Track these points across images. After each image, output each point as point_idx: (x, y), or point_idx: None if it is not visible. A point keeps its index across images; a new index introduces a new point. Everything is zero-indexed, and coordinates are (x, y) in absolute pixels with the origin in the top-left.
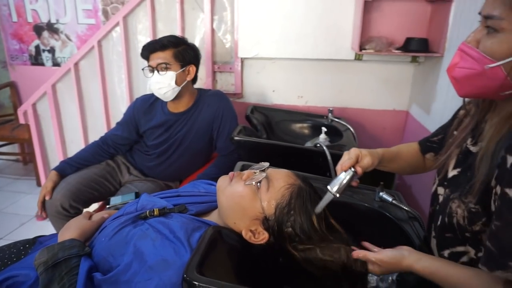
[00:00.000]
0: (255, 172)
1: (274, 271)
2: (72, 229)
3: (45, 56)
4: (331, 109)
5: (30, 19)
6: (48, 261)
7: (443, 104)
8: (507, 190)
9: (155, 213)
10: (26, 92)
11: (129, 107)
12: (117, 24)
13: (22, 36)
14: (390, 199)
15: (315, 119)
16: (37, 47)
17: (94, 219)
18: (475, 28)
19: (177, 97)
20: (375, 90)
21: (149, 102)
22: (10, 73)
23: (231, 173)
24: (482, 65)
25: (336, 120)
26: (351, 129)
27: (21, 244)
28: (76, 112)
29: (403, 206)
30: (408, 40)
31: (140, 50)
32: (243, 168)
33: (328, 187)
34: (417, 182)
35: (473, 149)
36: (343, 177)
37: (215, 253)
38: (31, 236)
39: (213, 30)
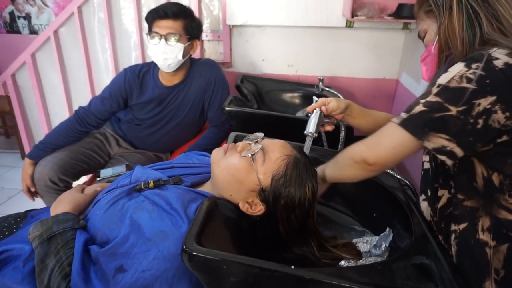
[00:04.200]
0: (249, 144)
1: (269, 239)
2: (65, 203)
3: (21, 23)
4: (321, 78)
5: None
6: (43, 234)
7: None
8: (438, 80)
9: (150, 185)
10: (4, 62)
11: (119, 78)
12: None
13: None
14: None
15: (306, 88)
16: (11, 13)
17: (87, 192)
18: None
19: (176, 69)
20: (366, 58)
21: (140, 74)
22: None
23: (225, 145)
24: (429, 52)
25: (327, 89)
26: (342, 98)
27: (12, 218)
28: (58, 83)
29: (395, 174)
30: (401, 6)
31: (123, 17)
32: (236, 139)
33: (305, 132)
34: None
35: None
36: (312, 117)
37: (213, 223)
38: (20, 210)
39: None
